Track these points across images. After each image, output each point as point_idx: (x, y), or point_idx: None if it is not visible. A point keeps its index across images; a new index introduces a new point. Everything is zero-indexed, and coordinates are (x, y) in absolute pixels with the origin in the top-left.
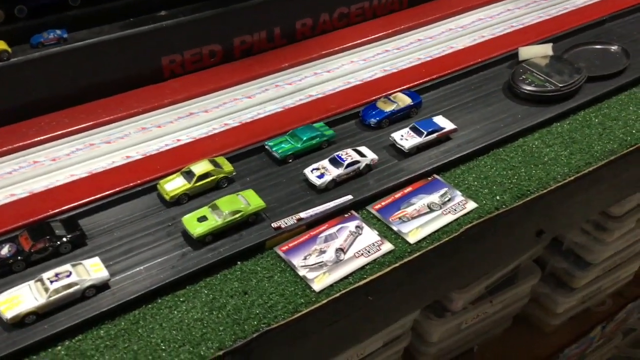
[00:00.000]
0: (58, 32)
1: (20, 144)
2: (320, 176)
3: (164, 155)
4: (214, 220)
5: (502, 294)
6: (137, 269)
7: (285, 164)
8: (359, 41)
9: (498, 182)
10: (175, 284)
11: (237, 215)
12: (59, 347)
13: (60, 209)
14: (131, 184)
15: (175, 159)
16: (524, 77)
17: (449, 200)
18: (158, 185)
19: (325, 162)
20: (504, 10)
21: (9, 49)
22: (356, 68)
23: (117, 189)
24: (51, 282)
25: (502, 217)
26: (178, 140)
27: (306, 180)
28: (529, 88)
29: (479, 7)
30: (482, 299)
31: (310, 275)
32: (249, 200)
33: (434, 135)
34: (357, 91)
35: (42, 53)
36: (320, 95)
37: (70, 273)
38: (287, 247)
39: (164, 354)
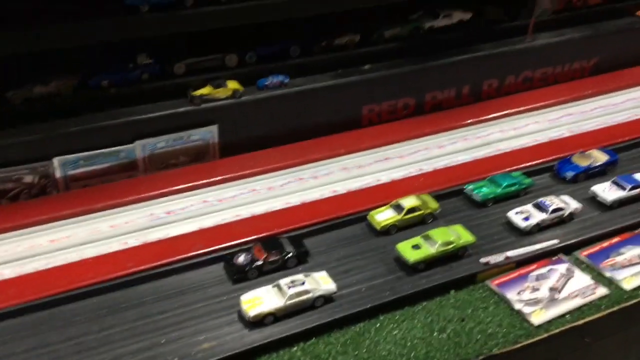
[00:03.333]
0: (281, 77)
1: (241, 173)
2: (526, 219)
3: (366, 192)
4: (428, 250)
5: None
6: (358, 287)
7: (484, 207)
8: (542, 103)
9: None
10: (394, 304)
11: (449, 247)
12: (295, 348)
13: (280, 230)
14: (342, 214)
15: (378, 195)
16: None
17: None
18: (368, 216)
19: (529, 207)
20: None
21: (241, 88)
22: (542, 127)
23: (329, 217)
24: (288, 287)
25: None
26: (378, 180)
27: (508, 222)
28: None
29: None
30: None
31: (526, 309)
32: (459, 234)
33: (637, 190)
34: (546, 148)
35: (267, 94)
36: (508, 150)
37: (304, 282)
38: (499, 281)
39: None
